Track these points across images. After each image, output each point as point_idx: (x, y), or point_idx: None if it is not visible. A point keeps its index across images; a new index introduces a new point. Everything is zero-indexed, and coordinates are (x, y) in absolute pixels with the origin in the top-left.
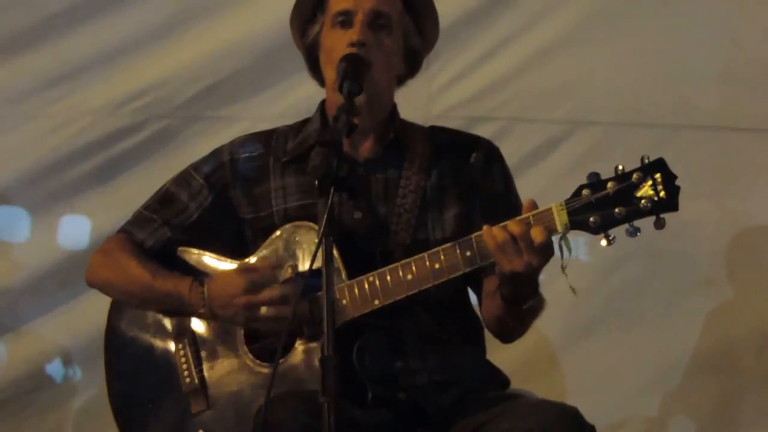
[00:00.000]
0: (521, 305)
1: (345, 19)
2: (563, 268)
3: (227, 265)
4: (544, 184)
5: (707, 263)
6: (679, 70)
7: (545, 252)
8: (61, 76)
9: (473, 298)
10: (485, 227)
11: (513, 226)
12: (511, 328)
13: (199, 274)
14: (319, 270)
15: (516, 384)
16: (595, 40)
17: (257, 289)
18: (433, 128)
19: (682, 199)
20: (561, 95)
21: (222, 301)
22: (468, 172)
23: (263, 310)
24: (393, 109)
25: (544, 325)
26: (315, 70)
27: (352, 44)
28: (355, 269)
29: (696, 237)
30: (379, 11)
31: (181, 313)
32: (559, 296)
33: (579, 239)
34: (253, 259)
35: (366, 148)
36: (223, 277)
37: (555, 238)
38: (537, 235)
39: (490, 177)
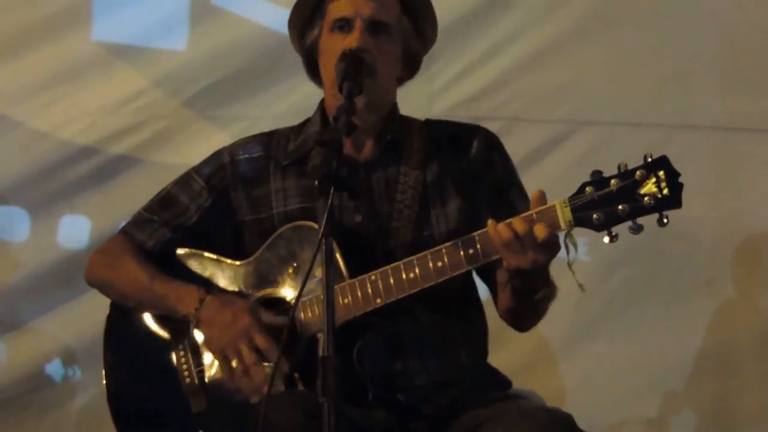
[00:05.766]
0: (533, 296)
1: (344, 25)
2: (570, 266)
3: (225, 267)
4: (544, 185)
5: (707, 263)
6: (678, 70)
7: (550, 248)
8: (61, 76)
9: (478, 296)
10: (489, 223)
11: (517, 223)
12: (525, 318)
13: (199, 280)
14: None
15: (516, 385)
16: (594, 40)
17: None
18: (429, 121)
19: (683, 199)
20: (561, 95)
21: (212, 324)
22: (469, 163)
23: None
24: (393, 109)
25: (544, 326)
26: (314, 73)
27: (351, 50)
28: (356, 270)
29: (696, 237)
30: (378, 20)
31: (174, 316)
32: (560, 296)
33: (580, 239)
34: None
35: (367, 149)
36: (226, 305)
37: (561, 236)
38: (540, 232)
39: (492, 167)
